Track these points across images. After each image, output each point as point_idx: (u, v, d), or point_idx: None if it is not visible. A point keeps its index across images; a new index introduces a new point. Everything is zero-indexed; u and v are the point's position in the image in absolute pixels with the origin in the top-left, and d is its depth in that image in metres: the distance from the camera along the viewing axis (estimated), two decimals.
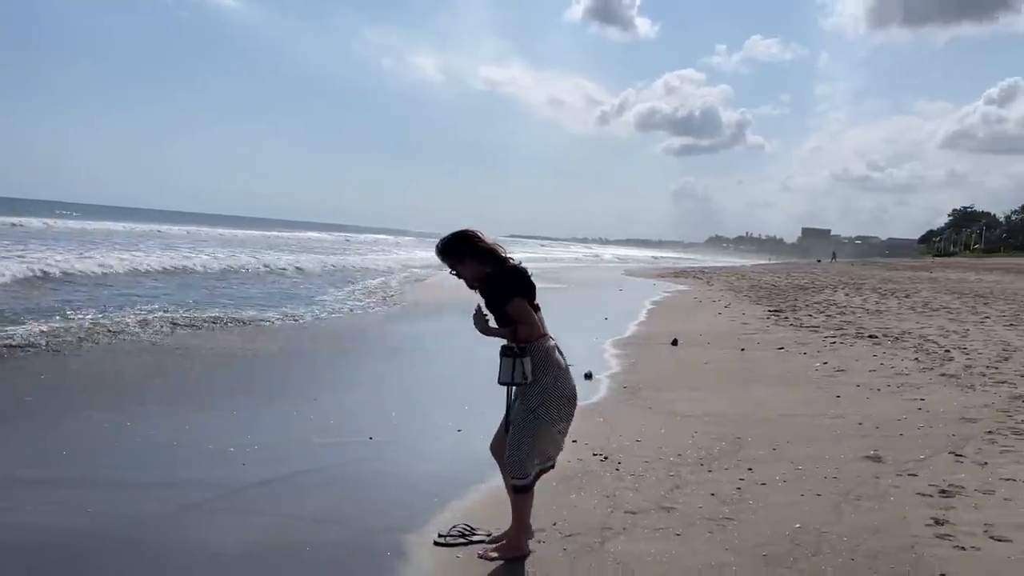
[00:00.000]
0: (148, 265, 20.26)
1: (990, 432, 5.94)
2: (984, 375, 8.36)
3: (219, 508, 4.47)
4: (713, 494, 4.70)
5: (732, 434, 6.13)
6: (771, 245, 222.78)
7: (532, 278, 3.97)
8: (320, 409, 6.88)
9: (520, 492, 3.89)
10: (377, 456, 5.57)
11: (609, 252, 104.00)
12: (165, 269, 20.34)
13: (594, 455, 5.53)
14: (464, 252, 3.96)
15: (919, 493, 4.61)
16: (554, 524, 4.20)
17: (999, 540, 3.86)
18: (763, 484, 4.87)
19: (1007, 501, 4.43)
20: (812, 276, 33.05)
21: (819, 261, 76.28)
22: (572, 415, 4.01)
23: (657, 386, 8.30)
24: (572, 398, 3.96)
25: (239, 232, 58.22)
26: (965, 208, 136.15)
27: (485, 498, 4.67)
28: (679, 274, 38.07)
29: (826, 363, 9.59)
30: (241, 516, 4.37)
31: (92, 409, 6.46)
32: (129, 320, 11.00)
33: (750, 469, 5.19)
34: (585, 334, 12.30)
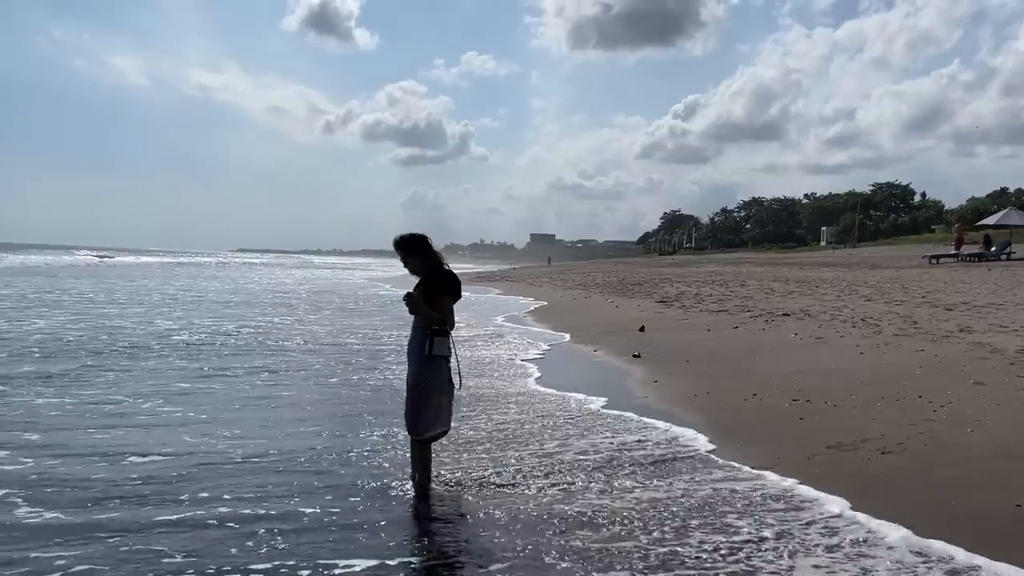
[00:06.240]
0: None
1: (1011, 364, 8.56)
2: (928, 333, 11.18)
3: None
4: (941, 404, 6.78)
5: (856, 380, 8.25)
6: (504, 251, 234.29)
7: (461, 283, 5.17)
8: None
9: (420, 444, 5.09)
10: None
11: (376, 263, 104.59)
12: None
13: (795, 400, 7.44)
14: (417, 249, 5.15)
15: None
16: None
17: None
18: (944, 405, 7.02)
19: None
20: (604, 275, 36.74)
21: (549, 261, 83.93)
22: (452, 394, 5.11)
23: (719, 355, 10.32)
24: (450, 380, 5.10)
25: None
26: (675, 212, 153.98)
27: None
28: (493, 278, 40.41)
29: (796, 335, 12.05)
30: None
31: None
32: None
33: (920, 397, 7.32)
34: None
